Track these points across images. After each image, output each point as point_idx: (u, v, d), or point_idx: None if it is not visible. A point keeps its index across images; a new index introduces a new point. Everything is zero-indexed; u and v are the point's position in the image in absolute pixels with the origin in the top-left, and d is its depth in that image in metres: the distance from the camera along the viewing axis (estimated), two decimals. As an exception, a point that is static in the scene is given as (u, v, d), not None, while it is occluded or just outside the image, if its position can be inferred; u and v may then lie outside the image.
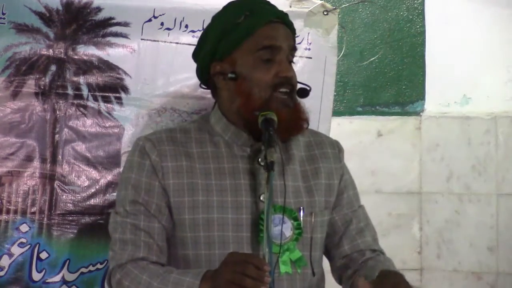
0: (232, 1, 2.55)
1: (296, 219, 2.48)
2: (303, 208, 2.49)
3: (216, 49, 2.48)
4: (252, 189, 2.46)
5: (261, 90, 2.43)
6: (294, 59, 3.18)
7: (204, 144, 2.52)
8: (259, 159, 2.44)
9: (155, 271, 2.38)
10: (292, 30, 2.55)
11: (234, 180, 2.47)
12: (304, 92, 2.50)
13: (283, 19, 2.51)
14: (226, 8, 2.54)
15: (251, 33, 2.44)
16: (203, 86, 2.61)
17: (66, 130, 3.07)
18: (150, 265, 2.41)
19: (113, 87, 3.10)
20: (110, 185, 3.08)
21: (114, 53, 3.10)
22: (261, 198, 2.45)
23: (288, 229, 2.47)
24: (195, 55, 2.59)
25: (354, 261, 2.56)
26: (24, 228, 3.03)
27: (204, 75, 2.55)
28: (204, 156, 2.50)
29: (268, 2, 2.56)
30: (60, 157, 3.06)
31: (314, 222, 2.51)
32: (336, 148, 2.64)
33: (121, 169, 3.07)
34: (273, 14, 2.49)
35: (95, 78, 3.08)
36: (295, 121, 2.47)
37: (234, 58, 2.46)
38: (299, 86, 2.53)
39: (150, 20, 3.10)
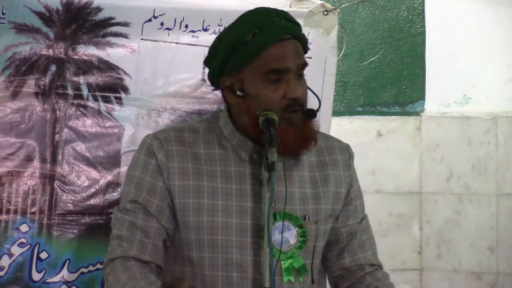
0: (244, 15, 2.50)
1: (301, 226, 2.48)
2: (309, 216, 2.49)
3: (225, 64, 2.45)
4: (257, 194, 2.46)
5: None
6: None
7: (212, 145, 2.50)
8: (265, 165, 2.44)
9: (134, 274, 2.39)
10: (303, 42, 2.50)
11: (240, 184, 2.46)
12: (311, 113, 2.47)
13: (293, 34, 2.46)
14: (236, 22, 2.48)
15: (259, 54, 2.40)
16: (215, 89, 2.58)
17: (66, 130, 3.07)
18: (134, 267, 2.42)
19: (113, 87, 3.10)
20: (110, 185, 3.08)
21: (114, 53, 3.10)
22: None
23: (292, 236, 2.47)
24: (207, 62, 2.55)
25: (352, 274, 2.56)
26: (24, 228, 3.03)
27: (215, 84, 2.54)
28: (212, 158, 2.49)
29: (281, 14, 2.50)
30: (60, 157, 3.06)
31: (318, 231, 2.51)
32: (346, 154, 2.62)
33: (121, 169, 3.07)
34: (282, 32, 2.43)
35: (95, 78, 3.08)
36: (301, 141, 2.45)
37: (242, 76, 2.43)
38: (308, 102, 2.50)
39: (150, 20, 3.10)
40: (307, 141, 2.47)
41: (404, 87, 3.99)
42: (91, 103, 3.09)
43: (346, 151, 2.63)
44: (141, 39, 3.11)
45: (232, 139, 2.49)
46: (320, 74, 3.23)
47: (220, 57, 2.45)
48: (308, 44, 3.21)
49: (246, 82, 2.42)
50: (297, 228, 2.47)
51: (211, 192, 2.45)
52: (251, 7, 2.56)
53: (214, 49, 2.50)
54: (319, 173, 2.55)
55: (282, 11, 2.53)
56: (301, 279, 2.48)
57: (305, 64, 2.47)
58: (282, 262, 2.45)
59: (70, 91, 3.07)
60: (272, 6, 3.16)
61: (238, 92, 2.43)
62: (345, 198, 2.58)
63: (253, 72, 2.41)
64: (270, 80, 2.40)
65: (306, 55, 3.16)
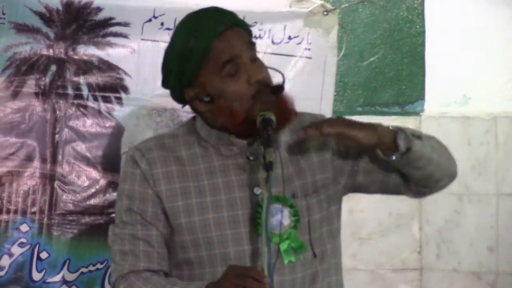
0: (179, 24, 2.48)
1: (292, 206, 2.48)
2: (296, 193, 2.49)
3: (181, 78, 2.44)
4: (245, 183, 2.46)
5: (242, 103, 2.41)
6: (294, 59, 3.21)
7: (192, 145, 2.51)
8: (247, 155, 2.45)
9: (159, 283, 2.39)
10: (244, 25, 2.47)
11: (225, 177, 2.47)
12: (278, 89, 2.45)
13: (231, 22, 2.43)
14: (175, 34, 2.47)
15: (206, 54, 2.39)
16: (183, 106, 2.57)
17: (66, 130, 3.07)
18: (153, 277, 2.42)
19: (113, 87, 3.10)
20: (110, 185, 3.08)
21: (114, 53, 3.10)
22: (255, 191, 2.45)
23: (285, 218, 2.47)
24: (165, 84, 2.52)
25: None
26: (24, 228, 3.03)
27: (181, 101, 2.53)
28: (194, 157, 2.49)
29: (213, 9, 2.48)
30: (60, 157, 3.06)
31: (309, 205, 2.50)
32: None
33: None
34: (220, 25, 2.41)
35: (95, 78, 3.09)
36: (281, 115, 2.45)
37: (201, 81, 2.42)
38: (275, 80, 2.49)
39: (150, 20, 3.11)
40: (287, 114, 2.46)
41: (404, 87, 3.99)
42: (91, 103, 3.09)
43: (319, 119, 2.59)
44: (141, 39, 3.11)
45: (210, 139, 2.49)
46: (320, 74, 3.24)
47: (174, 72, 2.44)
48: (308, 44, 3.24)
49: (208, 86, 2.42)
50: (288, 208, 2.48)
51: (198, 191, 2.46)
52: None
53: (165, 68, 2.48)
54: (298, 150, 2.55)
55: (212, 6, 2.49)
56: (301, 258, 2.47)
57: (253, 44, 2.45)
58: (280, 245, 2.45)
59: (70, 91, 3.07)
60: (272, 7, 3.17)
61: (205, 99, 2.44)
62: (344, 156, 2.54)
63: (209, 73, 2.41)
64: (229, 73, 2.40)
65: (306, 55, 3.16)
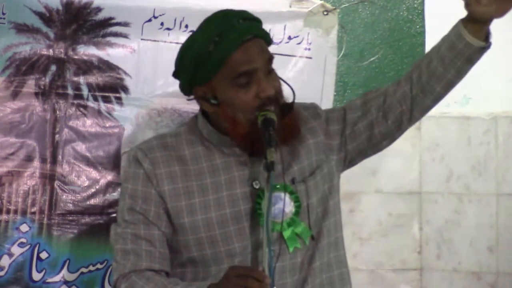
0: (202, 23, 2.48)
1: (292, 192, 2.49)
2: (295, 178, 2.50)
3: (194, 77, 2.45)
4: (246, 178, 2.47)
5: (246, 114, 2.42)
6: (294, 59, 3.21)
7: (195, 144, 2.52)
8: (249, 155, 2.46)
9: (161, 283, 2.39)
10: (265, 36, 2.49)
11: (228, 174, 2.48)
12: (287, 108, 2.47)
13: (254, 33, 2.45)
14: (196, 33, 2.47)
15: (224, 62, 2.40)
16: (190, 99, 2.58)
17: (66, 130, 3.07)
18: (155, 276, 2.43)
19: (113, 87, 3.10)
20: (110, 185, 3.09)
21: (114, 53, 3.10)
22: (254, 185, 2.46)
23: (287, 205, 2.48)
24: (176, 76, 2.54)
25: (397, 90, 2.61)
26: (24, 228, 3.03)
27: (188, 94, 2.54)
28: (197, 156, 2.50)
29: (239, 14, 2.47)
30: (60, 157, 3.06)
31: (308, 188, 2.51)
32: (311, 108, 2.63)
33: (121, 169, 3.08)
34: (242, 35, 2.41)
35: (95, 78, 3.09)
36: (285, 132, 2.46)
37: (213, 84, 2.43)
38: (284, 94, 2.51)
39: (150, 20, 3.11)
40: (289, 134, 2.48)
41: (404, 87, 3.98)
42: (91, 103, 3.09)
43: (310, 106, 2.65)
44: (141, 39, 3.11)
45: (212, 139, 2.50)
46: (320, 74, 3.24)
47: (187, 70, 2.45)
48: (308, 44, 3.24)
49: (218, 90, 2.43)
50: (289, 195, 2.48)
51: (201, 190, 2.47)
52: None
53: (179, 63, 2.49)
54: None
55: (239, 10, 2.49)
56: (307, 242, 2.49)
57: (271, 58, 2.46)
58: (284, 233, 2.45)
59: (70, 91, 3.07)
60: (272, 7, 3.17)
61: (212, 101, 2.44)
62: (328, 134, 2.59)
63: (222, 80, 2.42)
64: (241, 84, 2.41)
65: (306, 55, 3.16)
